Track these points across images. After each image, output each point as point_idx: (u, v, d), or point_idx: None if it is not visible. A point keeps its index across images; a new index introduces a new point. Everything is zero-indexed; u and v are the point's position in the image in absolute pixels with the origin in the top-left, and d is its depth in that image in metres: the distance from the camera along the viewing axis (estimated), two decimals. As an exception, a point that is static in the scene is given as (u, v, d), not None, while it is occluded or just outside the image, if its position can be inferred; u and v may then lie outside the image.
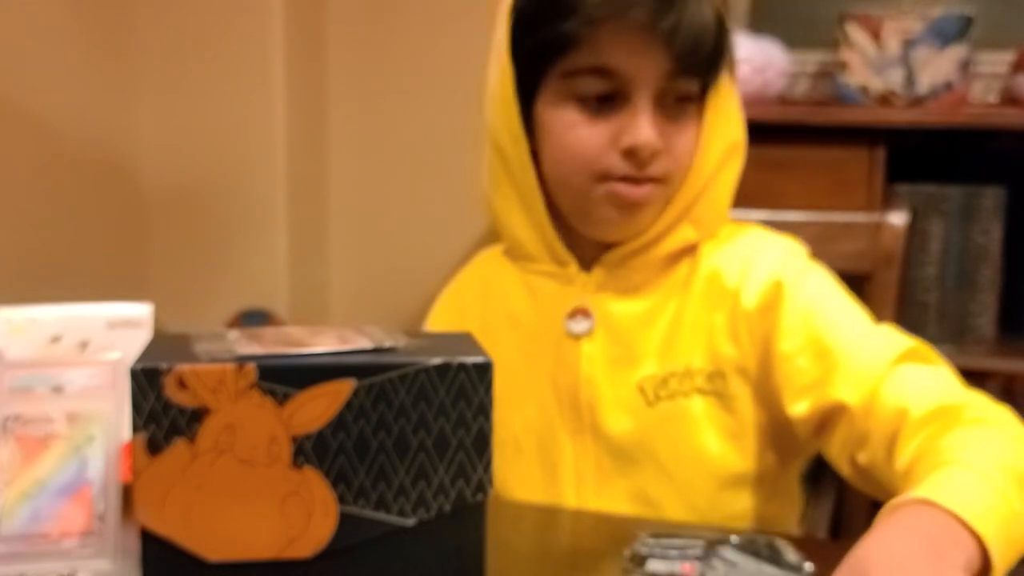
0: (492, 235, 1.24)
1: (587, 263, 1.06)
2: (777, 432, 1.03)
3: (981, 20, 1.92)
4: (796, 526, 1.13)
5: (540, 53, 1.01)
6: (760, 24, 2.08)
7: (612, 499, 1.04)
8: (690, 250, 1.06)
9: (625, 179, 1.00)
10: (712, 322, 1.03)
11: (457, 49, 2.33)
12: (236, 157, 2.41)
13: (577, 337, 1.05)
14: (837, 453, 0.96)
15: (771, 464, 1.05)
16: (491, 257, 1.16)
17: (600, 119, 1.00)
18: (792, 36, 2.01)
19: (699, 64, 0.99)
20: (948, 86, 1.91)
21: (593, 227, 1.05)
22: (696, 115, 1.02)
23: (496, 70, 1.04)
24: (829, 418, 0.96)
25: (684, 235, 1.04)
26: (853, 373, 0.94)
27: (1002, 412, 0.89)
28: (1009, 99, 1.95)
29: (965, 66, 1.91)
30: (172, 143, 2.42)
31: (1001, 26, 2.02)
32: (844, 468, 0.96)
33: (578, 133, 1.01)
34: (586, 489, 1.05)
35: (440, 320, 1.17)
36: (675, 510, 1.03)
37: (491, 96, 1.05)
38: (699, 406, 1.02)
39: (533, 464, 1.06)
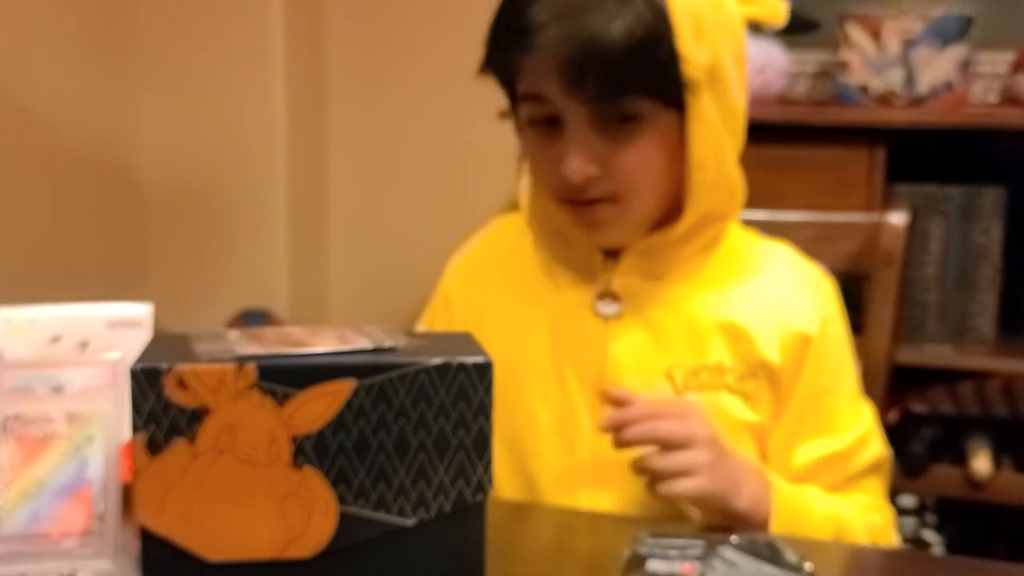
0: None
1: (612, 251, 1.07)
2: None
3: (981, 20, 1.92)
4: None
5: (501, 77, 1.05)
6: (760, 24, 2.08)
7: (627, 487, 1.03)
8: (715, 242, 1.08)
9: (570, 200, 1.03)
10: (744, 325, 1.05)
11: (457, 49, 2.33)
12: (236, 157, 2.41)
13: (606, 319, 1.06)
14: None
15: (787, 467, 1.06)
16: (511, 226, 1.17)
17: (548, 142, 1.02)
18: (792, 36, 2.00)
19: (612, 91, 0.97)
20: (948, 86, 1.91)
21: (574, 237, 1.07)
22: (654, 128, 1.00)
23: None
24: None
25: (711, 230, 1.06)
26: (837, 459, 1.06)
27: (881, 522, 1.07)
28: (1009, 99, 1.95)
29: (965, 66, 1.91)
30: (172, 143, 2.42)
31: (1001, 26, 2.02)
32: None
33: (534, 157, 1.05)
34: (603, 475, 1.04)
35: (455, 285, 1.18)
36: (687, 503, 1.02)
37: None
38: (728, 403, 1.03)
39: (551, 441, 1.06)
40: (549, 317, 1.08)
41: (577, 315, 1.07)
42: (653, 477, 0.94)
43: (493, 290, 1.13)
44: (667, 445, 0.93)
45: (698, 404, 0.99)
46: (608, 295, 1.06)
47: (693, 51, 0.97)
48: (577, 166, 0.99)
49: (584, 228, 1.05)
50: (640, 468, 0.94)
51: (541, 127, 1.02)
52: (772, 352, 1.04)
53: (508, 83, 1.05)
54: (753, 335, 1.04)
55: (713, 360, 1.04)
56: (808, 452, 1.05)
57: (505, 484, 1.06)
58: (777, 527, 0.96)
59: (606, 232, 1.05)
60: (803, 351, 1.04)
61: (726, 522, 0.95)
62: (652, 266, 1.06)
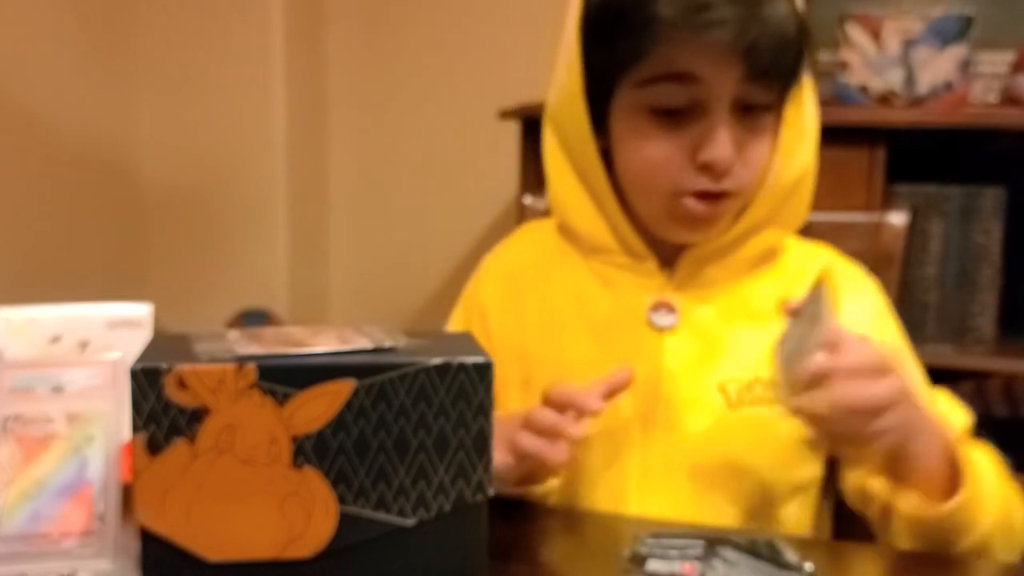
0: (493, 234, 1.24)
1: (666, 259, 1.06)
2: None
3: (981, 20, 1.92)
4: (827, 533, 1.12)
5: (614, 61, 0.99)
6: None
7: (675, 497, 1.02)
8: (772, 254, 1.06)
9: (699, 194, 0.99)
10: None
11: (457, 49, 2.33)
12: (236, 157, 2.41)
13: (661, 330, 1.04)
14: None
15: (823, 474, 1.06)
16: (542, 230, 1.14)
17: (675, 132, 0.98)
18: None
19: (778, 75, 0.98)
20: (948, 86, 1.91)
21: (667, 235, 1.05)
22: (773, 122, 1.01)
23: (565, 70, 1.03)
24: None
25: (767, 239, 1.05)
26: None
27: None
28: (1009, 99, 1.95)
29: (965, 66, 1.91)
30: (172, 143, 2.42)
31: (1001, 26, 2.02)
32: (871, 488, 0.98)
33: (653, 146, 0.99)
34: (650, 485, 1.03)
35: (492, 293, 1.14)
36: (731, 514, 1.02)
37: (558, 94, 1.05)
38: (782, 417, 1.01)
39: (597, 455, 1.04)
40: (597, 325, 1.06)
41: (629, 326, 1.05)
42: (832, 436, 0.89)
43: (533, 299, 1.10)
44: (862, 411, 0.86)
45: (886, 348, 0.91)
46: (663, 306, 1.04)
47: (809, 54, 1.00)
48: (729, 149, 0.96)
49: (699, 226, 1.02)
50: (824, 429, 0.88)
51: (666, 116, 0.98)
52: None
53: (622, 67, 0.99)
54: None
55: (768, 373, 1.02)
56: None
57: (554, 493, 1.04)
58: (965, 463, 0.92)
59: (713, 227, 1.02)
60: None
61: (894, 465, 0.92)
62: (706, 275, 1.05)
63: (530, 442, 0.92)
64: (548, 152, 1.07)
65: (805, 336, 0.87)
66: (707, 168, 0.97)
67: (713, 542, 0.81)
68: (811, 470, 1.05)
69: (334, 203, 2.55)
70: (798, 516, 1.05)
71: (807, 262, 1.09)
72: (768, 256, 1.06)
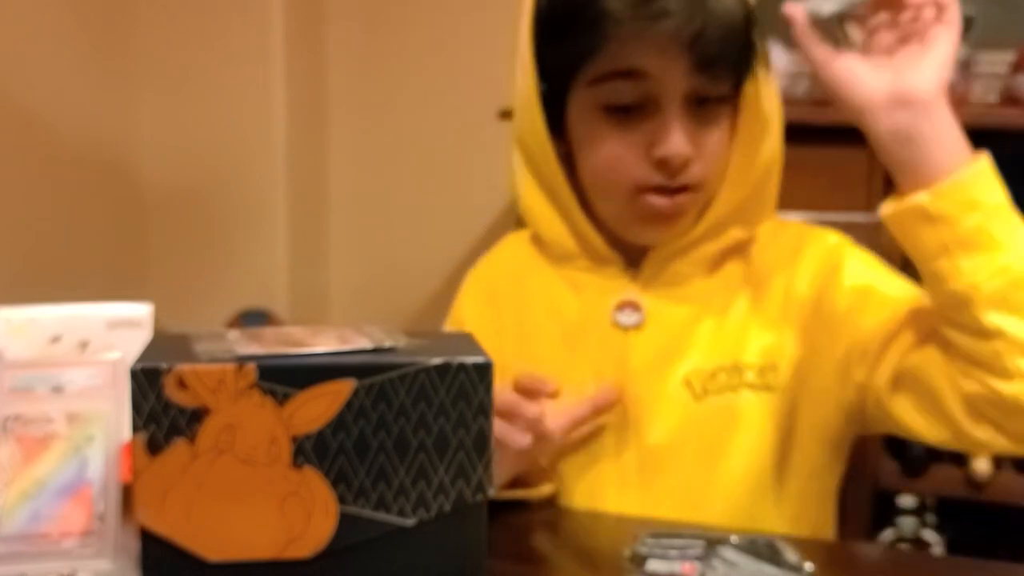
0: (493, 234, 1.24)
1: (632, 259, 1.06)
2: (827, 425, 1.03)
3: (981, 20, 1.91)
4: (832, 531, 1.10)
5: (566, 61, 1.00)
6: (760, 24, 2.08)
7: (654, 497, 1.03)
8: (739, 248, 1.06)
9: (658, 190, 1.00)
10: (763, 314, 1.03)
11: (457, 49, 2.33)
12: (236, 157, 2.41)
13: (626, 330, 1.04)
14: (939, 387, 0.93)
15: (817, 462, 1.05)
16: (520, 243, 1.15)
17: (629, 129, 0.99)
18: (792, 36, 2.00)
19: (727, 65, 0.98)
20: (948, 86, 1.91)
21: (630, 235, 1.05)
22: (728, 115, 1.01)
23: (520, 74, 1.03)
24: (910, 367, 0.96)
25: (733, 235, 1.05)
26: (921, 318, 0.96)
27: None
28: (1009, 99, 1.95)
29: (965, 66, 1.91)
30: (172, 143, 2.43)
31: (1001, 26, 2.02)
32: (948, 400, 0.92)
33: (609, 145, 1.00)
34: (628, 486, 1.04)
35: (472, 306, 1.15)
36: (716, 510, 1.01)
37: (517, 99, 1.05)
38: (749, 401, 1.02)
39: (572, 459, 1.05)
40: (567, 330, 1.07)
41: (596, 327, 1.05)
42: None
43: (508, 308, 1.11)
44: None
45: None
46: (628, 305, 1.05)
47: (760, 42, 1.00)
48: (682, 144, 0.97)
49: (662, 222, 1.02)
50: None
51: (617, 114, 0.99)
52: (802, 288, 1.02)
53: (574, 67, 1.00)
54: (789, 285, 1.03)
55: (730, 360, 1.03)
56: (888, 316, 0.99)
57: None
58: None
59: (678, 223, 1.03)
60: (830, 275, 1.02)
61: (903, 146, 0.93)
62: (672, 273, 1.05)
63: (495, 427, 0.93)
64: (515, 160, 1.08)
65: None
66: (663, 164, 0.98)
67: (713, 542, 0.81)
68: (792, 457, 1.04)
69: (334, 203, 2.55)
70: (799, 511, 1.04)
71: (773, 239, 1.08)
72: (733, 252, 1.06)
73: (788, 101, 2.07)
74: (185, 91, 2.41)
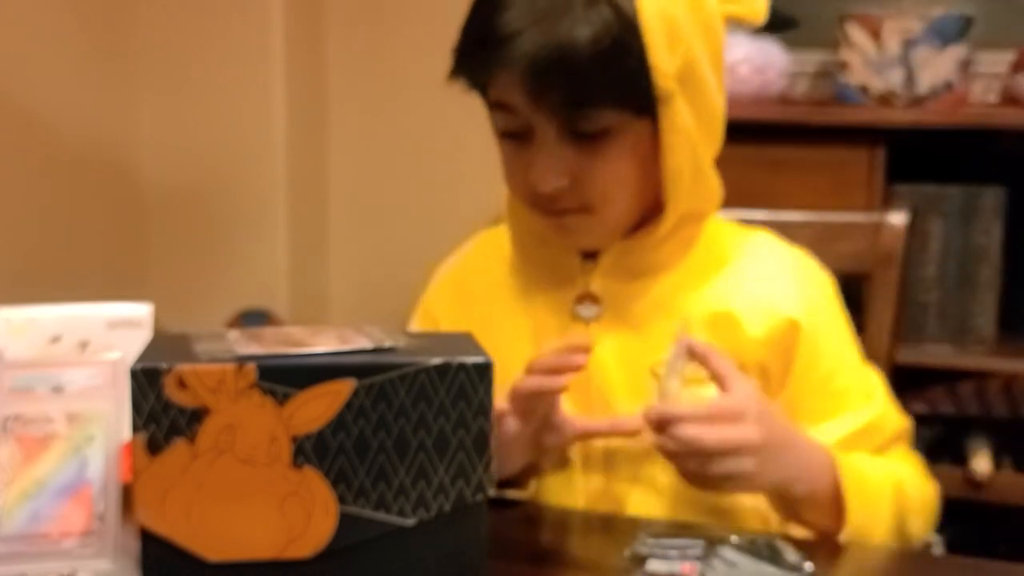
0: (492, 234, 1.23)
1: (592, 253, 1.07)
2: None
3: (981, 20, 1.92)
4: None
5: (468, 85, 1.04)
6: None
7: (620, 485, 1.03)
8: (692, 239, 1.07)
9: (542, 209, 1.02)
10: (730, 317, 1.04)
11: (457, 49, 2.33)
12: (236, 157, 2.41)
13: (587, 321, 1.06)
14: None
15: None
16: (493, 238, 1.16)
17: (517, 151, 1.01)
18: (792, 36, 2.01)
19: (590, 97, 0.95)
20: (948, 86, 1.91)
21: (559, 241, 1.07)
22: (624, 138, 0.98)
23: None
24: None
25: (688, 233, 1.06)
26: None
27: (920, 471, 1.08)
28: (1009, 99, 1.95)
29: (965, 66, 1.91)
30: (172, 143, 2.42)
31: (1001, 26, 2.02)
32: None
33: (507, 165, 1.04)
34: (594, 474, 1.04)
35: (440, 299, 1.17)
36: (682, 500, 1.02)
37: None
38: (714, 394, 1.02)
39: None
40: (531, 323, 1.08)
41: (558, 320, 1.07)
42: (696, 480, 0.92)
43: (476, 303, 1.12)
44: (712, 454, 0.89)
45: (754, 393, 0.94)
46: (587, 297, 1.06)
47: (664, 60, 0.95)
48: (544, 178, 0.98)
49: (559, 234, 1.05)
50: (683, 473, 0.92)
51: (511, 136, 1.01)
52: (758, 337, 1.03)
53: (481, 91, 1.04)
54: (737, 323, 1.03)
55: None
56: (828, 435, 1.02)
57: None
58: (849, 494, 0.96)
59: (580, 238, 1.05)
60: (793, 338, 1.03)
61: (784, 505, 0.97)
62: (631, 265, 1.06)
63: (533, 381, 0.96)
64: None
65: (664, 380, 0.94)
66: (533, 191, 1.00)
67: (713, 542, 0.81)
68: None
69: (334, 203, 2.55)
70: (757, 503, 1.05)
71: (744, 246, 1.09)
72: (690, 242, 1.06)
73: (788, 101, 2.09)
74: (185, 91, 2.40)
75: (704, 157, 1.02)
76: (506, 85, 0.97)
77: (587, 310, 1.06)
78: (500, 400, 0.95)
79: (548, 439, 1.00)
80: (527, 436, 0.98)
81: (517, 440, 0.98)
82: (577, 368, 0.95)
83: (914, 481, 1.05)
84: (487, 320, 1.10)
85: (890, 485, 1.01)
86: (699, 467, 0.90)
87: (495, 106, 1.01)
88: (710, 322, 1.04)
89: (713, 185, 1.05)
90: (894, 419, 1.07)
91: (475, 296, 1.13)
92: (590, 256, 1.07)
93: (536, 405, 0.97)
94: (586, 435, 1.02)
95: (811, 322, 1.04)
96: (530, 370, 0.97)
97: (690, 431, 0.89)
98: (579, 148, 0.98)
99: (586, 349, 0.95)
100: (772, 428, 0.92)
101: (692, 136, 0.99)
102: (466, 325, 1.09)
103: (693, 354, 0.94)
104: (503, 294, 1.11)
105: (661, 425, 0.90)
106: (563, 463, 1.05)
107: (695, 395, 0.95)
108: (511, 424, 0.97)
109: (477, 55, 0.99)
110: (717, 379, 0.94)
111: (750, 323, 1.03)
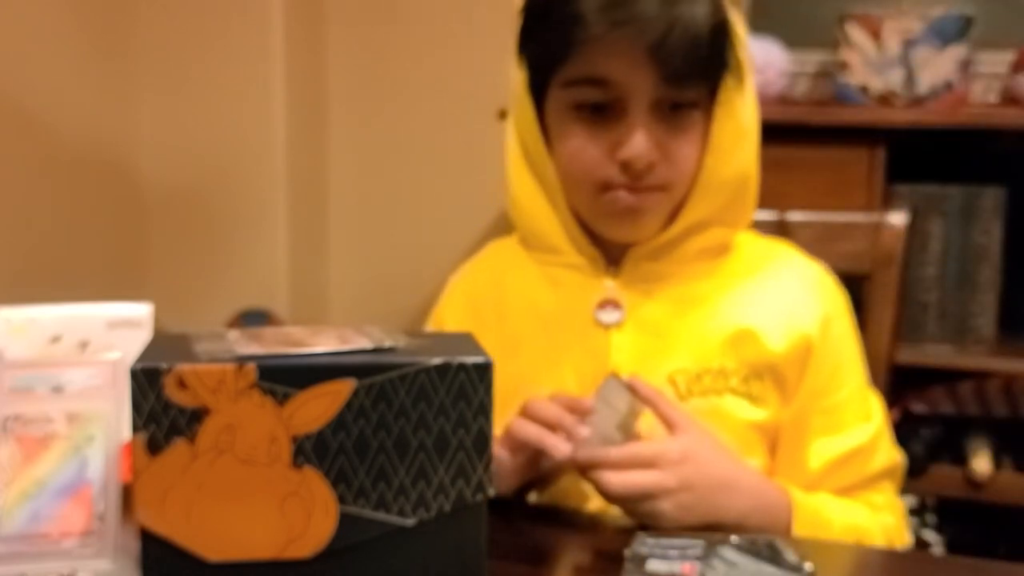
0: (493, 233, 1.24)
1: (613, 257, 1.07)
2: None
3: (981, 20, 1.92)
4: None
5: (541, 61, 1.02)
6: (760, 24, 2.09)
7: None
8: (718, 251, 1.07)
9: (625, 187, 1.01)
10: (750, 327, 1.04)
11: (457, 50, 2.33)
12: (236, 157, 2.41)
13: (607, 327, 1.05)
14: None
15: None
16: (504, 247, 1.16)
17: (598, 129, 1.00)
18: (792, 36, 2.01)
19: (693, 73, 0.98)
20: (948, 86, 1.91)
21: (603, 230, 1.06)
22: (701, 120, 1.02)
23: (513, 65, 1.05)
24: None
25: (713, 236, 1.06)
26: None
27: (895, 523, 1.06)
28: (1009, 99, 1.95)
29: (965, 66, 1.91)
30: (172, 143, 2.42)
31: (1001, 26, 2.02)
32: None
33: (578, 144, 1.02)
34: None
35: (453, 310, 1.16)
36: None
37: (512, 92, 1.07)
38: (733, 406, 1.03)
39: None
40: (549, 328, 1.08)
41: (577, 325, 1.06)
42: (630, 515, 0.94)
43: (490, 312, 1.12)
44: (623, 499, 0.92)
45: (696, 437, 0.96)
46: (609, 303, 1.06)
47: (744, 39, 1.01)
48: (644, 149, 0.98)
49: (629, 218, 1.03)
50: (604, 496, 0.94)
51: (588, 113, 1.01)
52: (778, 352, 1.03)
53: (548, 67, 1.02)
54: (757, 336, 1.03)
55: (716, 364, 1.03)
56: (822, 453, 1.04)
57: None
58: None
59: (647, 222, 1.04)
60: (806, 352, 1.04)
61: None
62: (652, 271, 1.06)
63: (531, 430, 0.94)
64: (509, 151, 1.09)
65: (596, 424, 0.94)
66: (627, 166, 1.00)
67: (713, 542, 0.81)
68: (764, 460, 1.06)
69: (334, 203, 2.55)
70: None
71: (765, 257, 1.10)
72: (715, 252, 1.07)
73: (788, 101, 2.09)
74: (185, 91, 2.41)
75: (745, 155, 1.04)
76: (606, 57, 0.97)
77: (608, 316, 1.05)
78: (511, 413, 0.96)
79: (543, 463, 0.99)
80: (518, 464, 0.98)
81: (507, 467, 0.98)
82: (571, 433, 0.94)
83: (883, 534, 1.04)
84: (501, 329, 1.09)
85: (852, 537, 1.01)
86: (622, 505, 0.93)
87: (579, 81, 1.00)
88: (728, 333, 1.04)
89: (748, 199, 1.06)
90: (886, 450, 1.07)
91: (487, 307, 1.12)
92: (612, 262, 1.07)
93: (527, 447, 0.96)
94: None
95: (824, 340, 1.05)
96: (525, 412, 0.96)
97: (602, 477, 0.91)
98: (666, 124, 1.00)
99: (585, 412, 0.94)
100: (703, 470, 0.93)
101: (741, 126, 1.02)
102: (480, 336, 1.10)
103: (639, 397, 0.95)
104: (517, 301, 1.10)
105: (582, 469, 0.93)
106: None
107: (651, 428, 0.97)
108: (502, 454, 0.97)
109: (590, 25, 0.96)
110: (664, 422, 0.95)
111: (770, 337, 1.04)
